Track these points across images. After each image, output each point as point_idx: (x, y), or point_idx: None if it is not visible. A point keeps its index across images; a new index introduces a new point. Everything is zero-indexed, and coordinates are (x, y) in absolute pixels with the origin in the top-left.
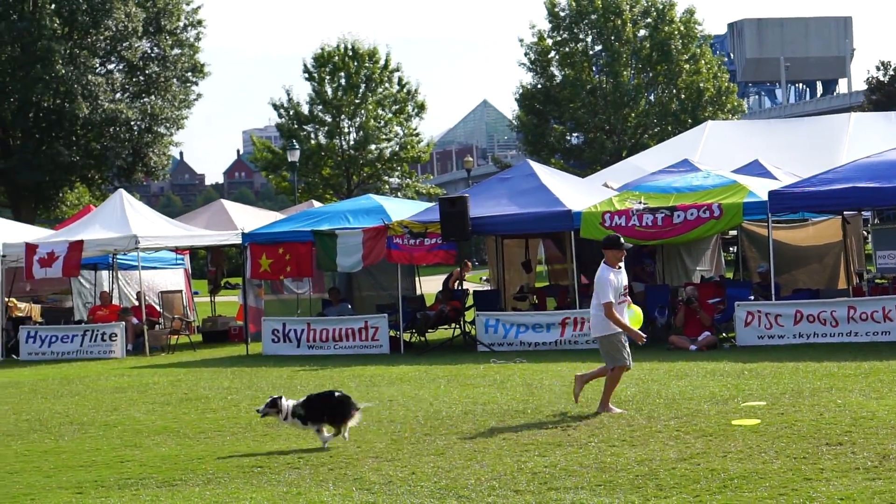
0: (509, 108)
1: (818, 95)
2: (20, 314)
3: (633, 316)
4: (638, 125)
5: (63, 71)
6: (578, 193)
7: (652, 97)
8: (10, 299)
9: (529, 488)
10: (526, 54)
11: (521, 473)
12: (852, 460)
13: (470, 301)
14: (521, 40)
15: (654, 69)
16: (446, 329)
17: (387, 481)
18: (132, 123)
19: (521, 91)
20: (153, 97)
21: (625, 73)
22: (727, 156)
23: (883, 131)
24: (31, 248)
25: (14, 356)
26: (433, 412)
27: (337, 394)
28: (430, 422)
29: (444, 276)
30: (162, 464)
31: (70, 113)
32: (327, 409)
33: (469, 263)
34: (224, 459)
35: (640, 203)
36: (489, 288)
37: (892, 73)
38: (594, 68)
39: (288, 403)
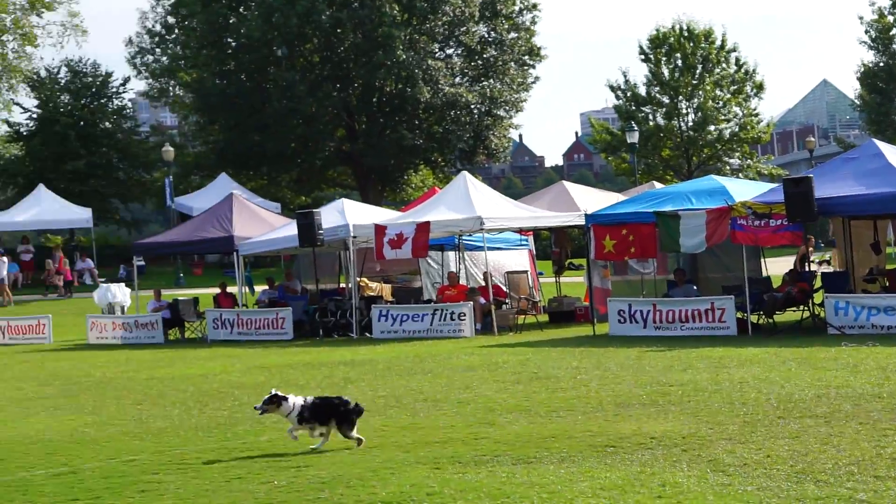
0: (850, 87)
1: None
2: (372, 293)
3: None
4: None
5: (404, 56)
6: None
7: None
8: (362, 279)
9: (890, 474)
10: (866, 31)
11: (881, 459)
12: None
13: (818, 283)
14: (861, 17)
15: None
16: (794, 311)
17: (742, 464)
18: (472, 107)
19: (862, 69)
20: (492, 80)
21: None
22: None
23: None
24: (380, 230)
25: (367, 334)
26: (785, 395)
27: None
28: (783, 405)
29: (788, 258)
30: (516, 441)
31: (412, 97)
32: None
33: (812, 238)
34: (577, 438)
35: None
36: (830, 269)
37: None
38: None
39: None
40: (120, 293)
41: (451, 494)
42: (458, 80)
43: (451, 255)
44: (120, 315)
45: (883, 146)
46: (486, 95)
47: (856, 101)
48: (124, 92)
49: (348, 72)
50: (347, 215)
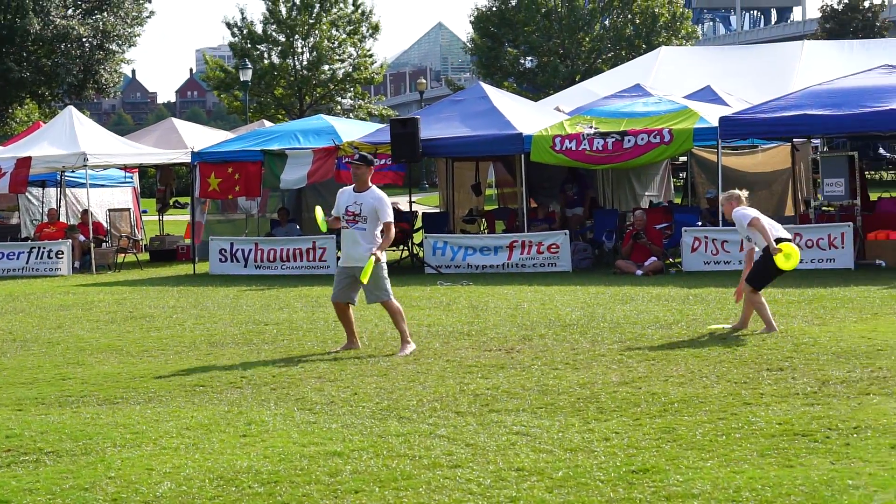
0: (464, 30)
1: (772, 23)
2: None
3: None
4: (592, 50)
5: None
6: (530, 117)
7: (606, 22)
8: None
9: (471, 410)
10: None
11: (463, 395)
12: (792, 386)
13: (419, 223)
14: None
15: None
16: (394, 251)
17: (329, 401)
18: (84, 40)
19: (475, 13)
20: (105, 14)
21: None
22: (679, 82)
23: (835, 60)
24: None
25: None
26: (377, 333)
27: None
28: (374, 342)
29: (393, 198)
30: (104, 382)
31: (21, 29)
32: None
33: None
34: (166, 378)
35: (591, 127)
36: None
37: (845, 1)
38: None
39: None
40: None
41: (32, 436)
42: (70, 12)
43: (53, 191)
44: None
45: (489, 89)
46: (99, 28)
47: (468, 44)
48: None
49: None
50: None
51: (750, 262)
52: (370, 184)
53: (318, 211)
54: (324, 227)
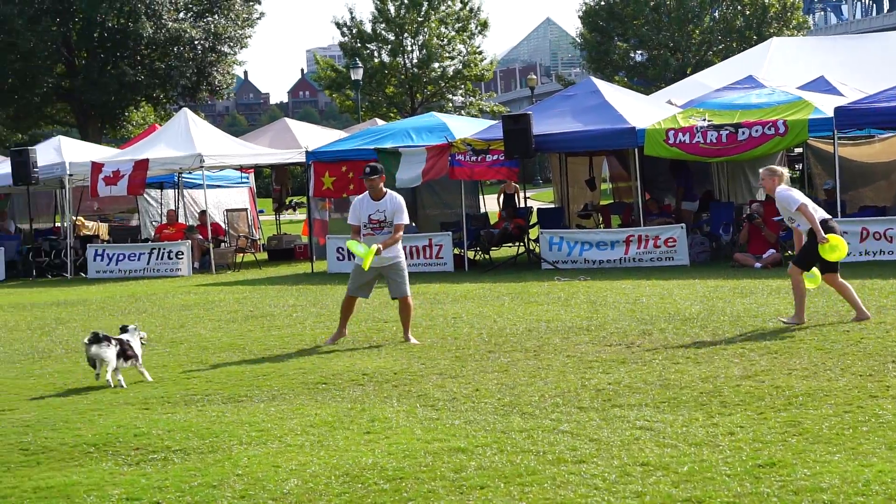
0: (573, 25)
1: (885, 11)
2: (88, 232)
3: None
4: (702, 42)
5: None
6: (642, 110)
7: (716, 13)
8: (78, 218)
9: (593, 405)
10: None
11: (585, 390)
12: None
13: (534, 219)
14: None
15: None
16: (510, 247)
17: (451, 398)
18: (196, 42)
19: (584, 8)
20: (216, 16)
21: None
22: (792, 72)
23: None
24: (96, 167)
25: (82, 274)
26: (497, 329)
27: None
28: (494, 339)
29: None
30: (228, 380)
31: (134, 32)
32: None
33: (513, 184)
34: (289, 376)
35: (705, 120)
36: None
37: None
38: None
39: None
40: None
41: (159, 435)
42: (182, 15)
43: (171, 193)
44: None
45: (600, 84)
46: (211, 31)
47: (577, 39)
48: None
49: (69, 5)
50: (64, 153)
51: (800, 242)
52: (385, 189)
53: (355, 245)
54: (368, 262)
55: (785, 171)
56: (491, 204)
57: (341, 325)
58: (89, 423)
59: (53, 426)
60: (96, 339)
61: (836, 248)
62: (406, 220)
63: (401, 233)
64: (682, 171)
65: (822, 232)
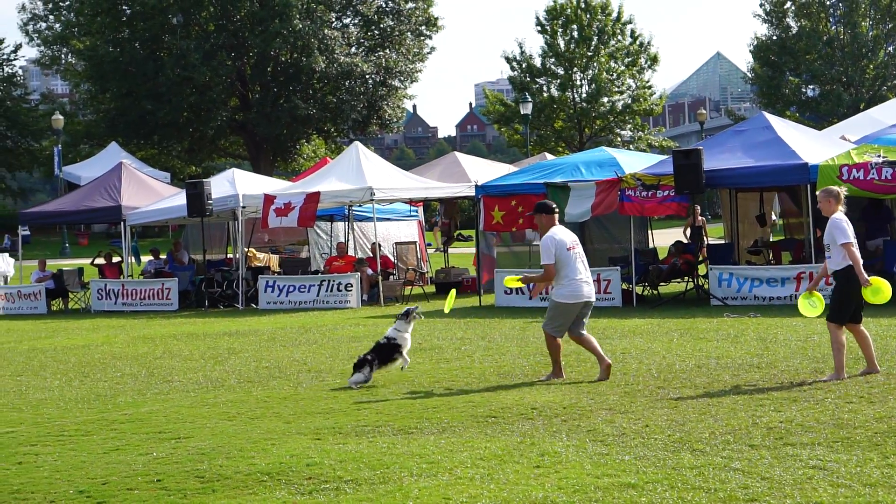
0: (743, 60)
1: None
2: (259, 264)
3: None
4: (876, 77)
5: (300, 25)
6: (815, 146)
7: (891, 48)
8: (250, 249)
9: (765, 443)
10: (761, 5)
11: (756, 428)
12: None
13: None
14: None
15: (893, 19)
16: (679, 283)
17: (620, 433)
18: (367, 77)
19: (755, 43)
20: (387, 51)
21: (863, 23)
22: None
23: None
24: (268, 199)
25: (253, 305)
26: (666, 365)
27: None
28: (663, 375)
29: (675, 230)
30: (398, 412)
31: (307, 67)
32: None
33: (699, 208)
34: (458, 409)
35: (880, 156)
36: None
37: None
38: (831, 19)
39: None
40: (3, 263)
41: (331, 465)
42: (353, 49)
43: (341, 225)
44: (3, 285)
45: (772, 119)
46: (382, 65)
47: (748, 73)
48: (15, 59)
49: (243, 40)
50: (237, 185)
51: (825, 273)
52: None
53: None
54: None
55: (843, 192)
56: (659, 239)
57: (557, 364)
58: (263, 452)
59: (228, 454)
60: None
61: (880, 290)
62: (547, 260)
63: (546, 273)
64: (879, 210)
65: (865, 274)
